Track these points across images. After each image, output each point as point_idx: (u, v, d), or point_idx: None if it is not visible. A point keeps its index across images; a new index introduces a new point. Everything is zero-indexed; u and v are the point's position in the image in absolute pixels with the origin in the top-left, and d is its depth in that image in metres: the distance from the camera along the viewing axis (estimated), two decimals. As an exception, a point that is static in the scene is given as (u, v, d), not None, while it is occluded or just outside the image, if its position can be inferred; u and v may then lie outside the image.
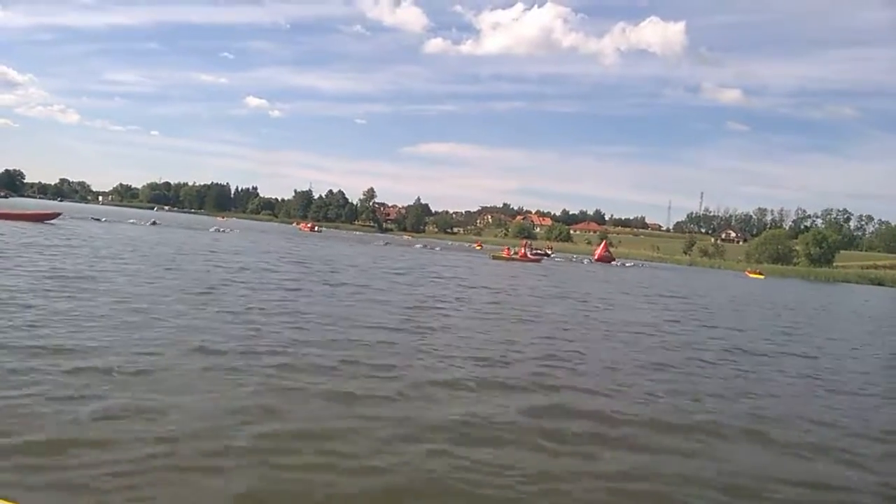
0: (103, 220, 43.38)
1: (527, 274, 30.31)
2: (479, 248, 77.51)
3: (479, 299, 16.34)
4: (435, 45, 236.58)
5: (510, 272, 30.57)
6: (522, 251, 47.03)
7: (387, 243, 58.01)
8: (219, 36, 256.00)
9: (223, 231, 47.54)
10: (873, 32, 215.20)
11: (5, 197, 70.14)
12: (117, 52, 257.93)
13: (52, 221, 33.46)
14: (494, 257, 44.89)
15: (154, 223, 46.24)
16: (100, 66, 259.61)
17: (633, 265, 61.00)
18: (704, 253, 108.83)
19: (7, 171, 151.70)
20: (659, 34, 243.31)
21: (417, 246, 59.73)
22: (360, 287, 16.34)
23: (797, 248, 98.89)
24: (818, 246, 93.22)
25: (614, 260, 61.57)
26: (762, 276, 67.75)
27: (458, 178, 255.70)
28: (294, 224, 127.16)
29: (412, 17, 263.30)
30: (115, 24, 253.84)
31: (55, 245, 19.69)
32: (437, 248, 58.88)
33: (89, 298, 10.04)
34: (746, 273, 72.56)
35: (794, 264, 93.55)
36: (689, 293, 28.20)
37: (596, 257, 60.59)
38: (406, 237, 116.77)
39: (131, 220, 46.84)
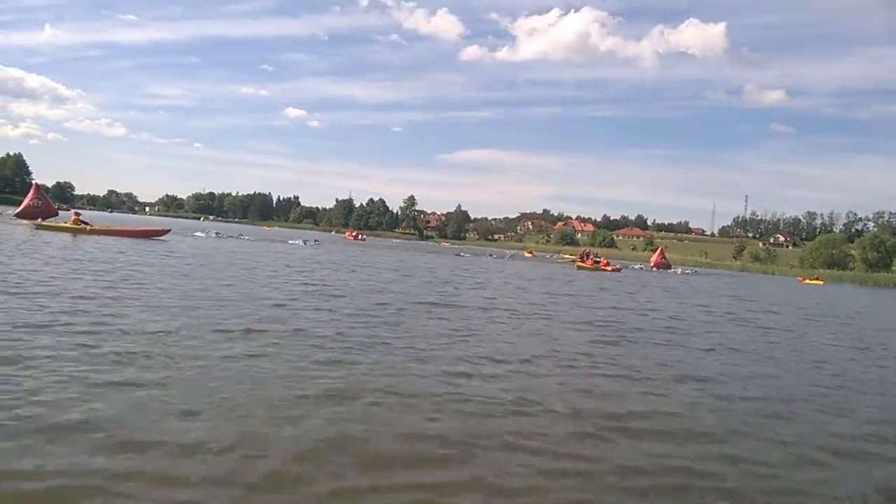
0: (199, 234, 44.62)
1: (642, 288, 29.33)
2: (529, 255, 76.95)
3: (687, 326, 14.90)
4: (471, 52, 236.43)
5: (625, 287, 28.96)
6: (604, 261, 47.65)
7: (459, 253, 58.28)
8: (258, 49, 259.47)
9: (311, 243, 47.26)
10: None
11: (67, 210, 71.11)
12: (160, 67, 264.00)
13: (162, 238, 33.18)
14: (579, 267, 44.81)
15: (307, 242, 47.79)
16: (143, 81, 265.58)
17: (693, 273, 59.84)
18: (756, 258, 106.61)
19: (58, 183, 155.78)
20: (699, 36, 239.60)
21: (491, 255, 60.12)
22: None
23: (853, 252, 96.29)
24: (875, 250, 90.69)
25: (671, 267, 60.52)
26: (821, 283, 65.97)
27: (495, 185, 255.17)
28: (334, 232, 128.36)
29: (448, 26, 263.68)
30: (158, 40, 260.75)
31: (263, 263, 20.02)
32: (507, 256, 59.63)
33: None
34: (800, 279, 70.76)
35: (850, 269, 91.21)
36: (823, 309, 26.57)
37: (653, 264, 59.59)
38: (444, 244, 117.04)
39: (216, 232, 47.51)
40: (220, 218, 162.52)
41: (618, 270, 44.47)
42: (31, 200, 43.18)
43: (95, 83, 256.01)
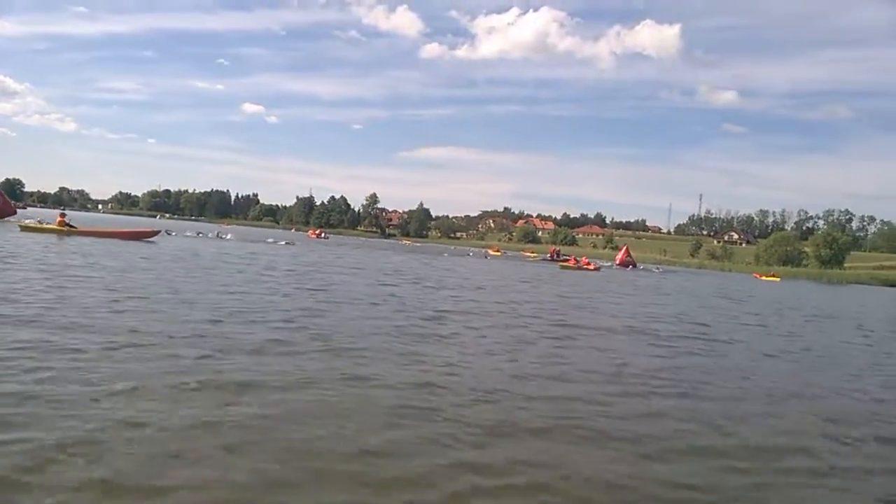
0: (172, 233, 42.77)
1: (635, 289, 29.41)
2: (497, 253, 77.17)
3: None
4: (430, 49, 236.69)
5: (618, 287, 28.96)
6: (586, 259, 48.11)
7: (443, 253, 58.27)
8: (214, 43, 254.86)
9: (283, 244, 46.16)
10: (867, 32, 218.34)
11: (24, 208, 68.86)
12: (113, 61, 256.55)
13: (151, 240, 31.76)
14: (563, 267, 45.15)
15: (222, 236, 46.22)
16: (96, 75, 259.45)
17: (661, 271, 60.97)
18: (712, 256, 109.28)
19: (7, 179, 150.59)
20: (654, 37, 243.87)
21: (469, 254, 59.47)
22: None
23: (807, 249, 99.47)
24: (829, 247, 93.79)
25: (636, 265, 61.56)
26: (778, 279, 67.96)
27: (455, 183, 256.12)
28: (293, 230, 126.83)
29: (407, 23, 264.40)
30: (110, 33, 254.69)
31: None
32: (487, 256, 59.53)
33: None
34: (756, 276, 72.69)
35: (804, 266, 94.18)
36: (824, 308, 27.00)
37: (618, 262, 60.51)
38: (406, 242, 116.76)
39: (188, 233, 45.54)
40: (175, 216, 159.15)
41: (598, 269, 45.09)
42: (-13, 199, 41.84)
43: (45, 77, 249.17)
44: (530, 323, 12.54)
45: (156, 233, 34.05)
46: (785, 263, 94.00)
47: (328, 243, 60.48)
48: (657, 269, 63.87)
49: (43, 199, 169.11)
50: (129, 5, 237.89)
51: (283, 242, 46.50)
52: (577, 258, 49.56)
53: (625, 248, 66.36)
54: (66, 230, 29.39)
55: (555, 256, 56.48)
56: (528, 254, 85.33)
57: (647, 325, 13.93)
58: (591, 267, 44.96)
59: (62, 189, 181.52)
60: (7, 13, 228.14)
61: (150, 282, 13.57)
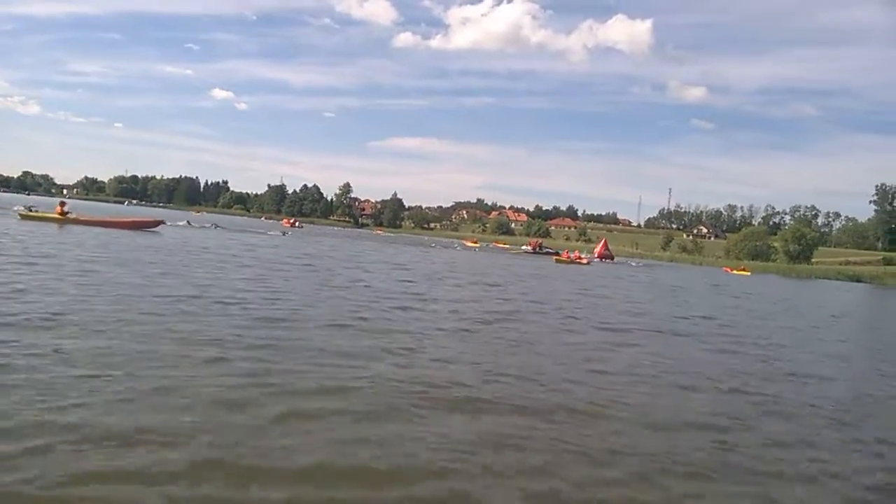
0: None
1: (633, 284, 29.85)
2: (475, 244, 77.20)
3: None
4: (404, 39, 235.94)
5: (618, 283, 29.48)
6: (577, 253, 48.78)
7: (432, 245, 58.59)
8: (183, 27, 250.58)
9: (281, 234, 46.42)
10: (836, 33, 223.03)
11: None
12: (79, 43, 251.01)
13: (154, 230, 31.33)
14: (557, 261, 45.45)
15: (216, 226, 46.16)
16: (61, 57, 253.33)
17: (641, 264, 61.66)
18: (683, 249, 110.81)
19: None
20: (626, 32, 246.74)
21: (456, 246, 59.04)
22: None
23: (776, 244, 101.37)
24: (797, 243, 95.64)
25: (614, 258, 62.27)
26: (748, 273, 69.36)
27: (427, 174, 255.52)
28: (263, 218, 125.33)
29: (381, 11, 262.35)
30: (77, 14, 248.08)
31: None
32: (456, 246, 59.97)
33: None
34: (726, 270, 74.01)
35: (773, 261, 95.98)
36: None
37: (597, 255, 61.13)
38: (378, 232, 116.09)
39: (180, 223, 44.76)
40: (143, 202, 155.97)
41: (589, 263, 45.63)
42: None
43: (8, 58, 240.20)
44: (609, 327, 12.62)
45: (159, 223, 33.57)
46: (754, 258, 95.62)
47: (312, 233, 60.10)
48: (634, 262, 64.62)
49: (6, 184, 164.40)
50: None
51: (281, 233, 46.47)
52: (570, 252, 49.91)
53: (603, 241, 67.07)
54: (67, 219, 28.97)
55: (537, 249, 56.87)
56: (500, 245, 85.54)
57: (697, 328, 14.12)
58: (584, 261, 45.49)
59: (26, 173, 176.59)
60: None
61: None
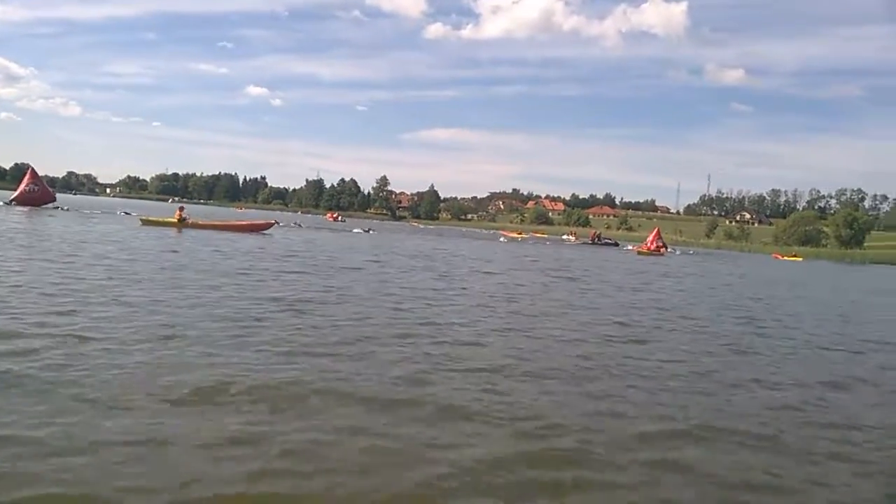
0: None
1: (727, 277, 28.80)
2: (520, 235, 76.61)
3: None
4: (435, 30, 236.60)
5: (731, 280, 27.56)
6: (654, 245, 48.94)
7: (500, 239, 58.20)
8: (217, 25, 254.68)
9: (369, 232, 47.03)
10: (877, 9, 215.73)
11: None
12: (116, 44, 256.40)
13: (267, 232, 32.07)
14: (640, 253, 45.12)
15: (369, 231, 47.62)
16: (100, 59, 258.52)
17: (695, 253, 60.56)
18: (729, 236, 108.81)
19: (17, 164, 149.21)
20: (661, 15, 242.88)
21: (502, 239, 59.04)
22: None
23: (826, 229, 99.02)
24: (849, 227, 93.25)
25: (667, 247, 61.19)
26: (800, 259, 67.87)
27: (461, 164, 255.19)
28: (300, 212, 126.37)
29: (410, 3, 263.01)
30: (113, 16, 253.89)
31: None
32: (502, 239, 59.14)
33: None
34: (776, 256, 72.43)
35: (823, 246, 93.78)
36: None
37: (650, 245, 60.06)
38: (415, 224, 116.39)
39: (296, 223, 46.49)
40: (185, 199, 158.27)
41: (663, 254, 45.50)
42: (26, 186, 41.22)
43: (49, 61, 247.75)
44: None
45: (271, 225, 34.23)
46: (804, 244, 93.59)
47: (381, 229, 60.46)
48: (691, 251, 63.40)
49: (51, 184, 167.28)
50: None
51: (367, 230, 47.74)
52: (649, 244, 49.75)
53: (656, 229, 65.63)
54: (185, 224, 29.76)
55: (595, 240, 56.25)
56: (542, 235, 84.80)
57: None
58: (663, 252, 45.21)
59: (70, 173, 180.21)
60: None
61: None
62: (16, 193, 41.00)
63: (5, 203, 39.13)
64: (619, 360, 7.71)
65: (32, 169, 42.59)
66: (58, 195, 47.69)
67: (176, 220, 29.82)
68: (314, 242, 28.88)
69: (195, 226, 29.92)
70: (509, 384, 6.19)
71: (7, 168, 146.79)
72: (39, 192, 41.41)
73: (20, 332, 6.54)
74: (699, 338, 10.11)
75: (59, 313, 7.66)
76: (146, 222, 30.47)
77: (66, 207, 42.65)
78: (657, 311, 13.09)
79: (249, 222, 34.42)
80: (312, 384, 5.57)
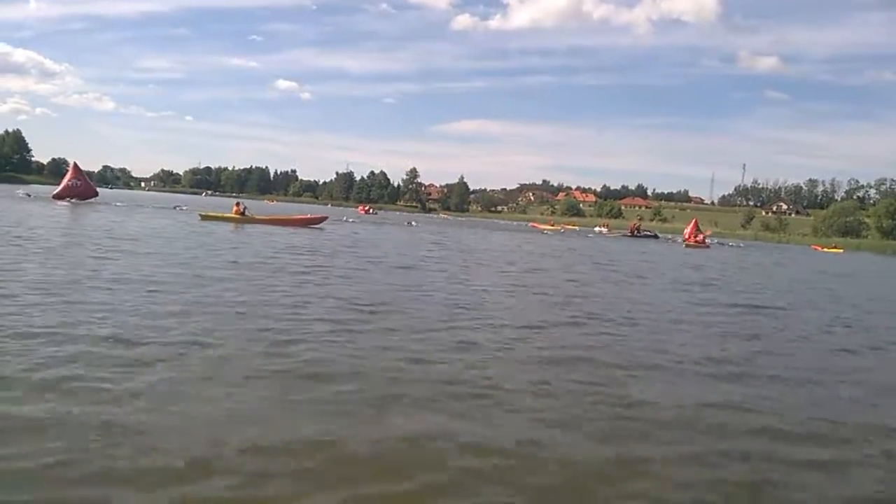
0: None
1: (780, 269, 28.33)
2: (553, 227, 75.99)
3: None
4: (462, 21, 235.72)
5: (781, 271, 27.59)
6: (701, 236, 48.41)
7: (543, 231, 58.37)
8: (246, 19, 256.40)
9: (412, 224, 49.13)
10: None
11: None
12: (148, 39, 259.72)
13: (319, 226, 32.35)
14: (687, 245, 45.08)
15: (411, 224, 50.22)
16: (132, 54, 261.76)
17: (739, 245, 59.51)
18: (767, 227, 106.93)
19: (53, 159, 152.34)
20: (692, 2, 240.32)
21: (547, 232, 58.61)
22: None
23: (867, 220, 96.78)
24: (891, 218, 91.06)
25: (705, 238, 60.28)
26: (841, 251, 66.35)
27: (489, 156, 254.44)
28: (330, 205, 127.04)
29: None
30: (145, 11, 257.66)
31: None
32: (546, 232, 58.65)
33: None
34: (815, 248, 71.02)
35: (864, 237, 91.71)
36: None
37: (688, 237, 59.27)
38: (444, 216, 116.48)
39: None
40: (217, 193, 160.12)
41: (708, 246, 45.52)
42: (69, 181, 41.93)
43: (83, 57, 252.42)
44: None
45: (324, 219, 34.47)
46: (844, 235, 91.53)
47: (429, 221, 60.56)
48: (731, 243, 62.26)
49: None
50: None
51: (414, 223, 49.41)
52: (695, 235, 49.22)
53: (694, 220, 64.60)
54: (244, 218, 30.24)
55: (635, 232, 55.62)
56: (573, 227, 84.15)
57: None
58: (707, 244, 45.03)
59: (105, 167, 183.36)
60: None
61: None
62: (59, 188, 41.73)
63: (52, 198, 40.14)
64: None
65: (75, 164, 43.39)
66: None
67: (235, 215, 30.21)
68: (380, 236, 29.34)
69: (253, 220, 30.16)
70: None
71: (45, 163, 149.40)
72: (82, 187, 42.07)
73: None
74: None
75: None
76: (205, 217, 30.91)
77: (119, 203, 43.81)
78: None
79: (303, 217, 34.52)
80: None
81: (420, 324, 8.43)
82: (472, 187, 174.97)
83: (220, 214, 31.50)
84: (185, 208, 41.75)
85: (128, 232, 20.37)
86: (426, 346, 7.12)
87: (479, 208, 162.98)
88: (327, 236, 26.64)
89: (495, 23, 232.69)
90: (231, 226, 27.62)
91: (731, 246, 56.49)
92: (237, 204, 31.74)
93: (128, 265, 11.85)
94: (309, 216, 34.94)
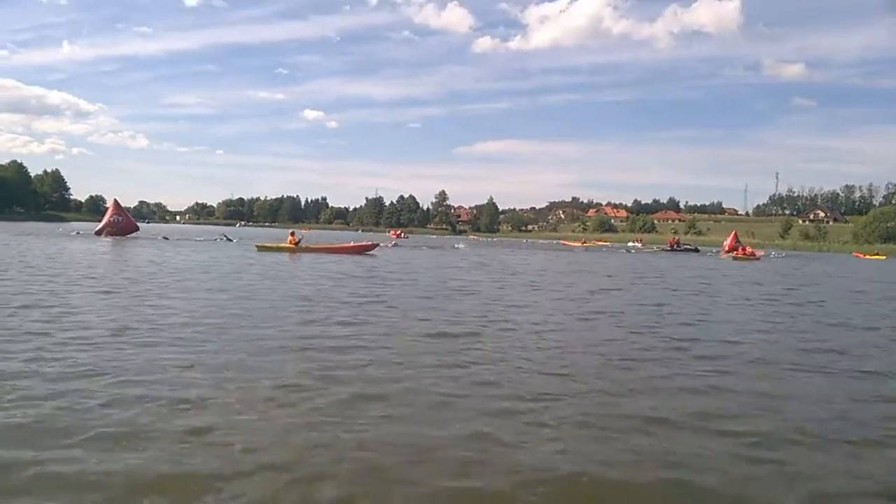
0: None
1: (829, 280, 27.38)
2: (582, 244, 75.09)
3: None
4: (483, 43, 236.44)
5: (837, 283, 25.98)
6: (749, 248, 48.34)
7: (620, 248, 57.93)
8: (271, 53, 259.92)
9: (459, 247, 50.27)
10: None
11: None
12: (177, 77, 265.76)
13: (372, 253, 32.74)
14: (735, 258, 44.97)
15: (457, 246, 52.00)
16: (162, 91, 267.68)
17: (775, 256, 58.43)
18: (805, 236, 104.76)
19: (91, 196, 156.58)
20: (713, 13, 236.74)
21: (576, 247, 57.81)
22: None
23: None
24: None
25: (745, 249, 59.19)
26: (883, 258, 64.78)
27: (516, 175, 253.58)
28: (359, 230, 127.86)
29: (458, 19, 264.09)
30: (173, 50, 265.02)
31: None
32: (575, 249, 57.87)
33: None
34: (857, 255, 69.47)
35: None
36: None
37: (727, 249, 58.27)
38: (473, 237, 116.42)
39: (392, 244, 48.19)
40: (251, 223, 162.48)
41: (757, 258, 45.26)
42: (111, 217, 42.82)
43: (116, 96, 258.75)
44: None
45: (375, 245, 35.07)
46: (886, 241, 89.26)
47: (486, 244, 60.34)
48: (773, 254, 61.17)
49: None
50: (188, 22, 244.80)
51: (455, 246, 50.72)
52: (743, 247, 49.15)
53: (733, 233, 63.52)
54: (299, 248, 30.70)
55: (675, 246, 54.93)
56: (605, 243, 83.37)
57: None
58: (757, 255, 44.36)
59: (141, 203, 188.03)
60: (76, 37, 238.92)
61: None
62: (101, 224, 42.59)
63: (95, 234, 41.15)
64: None
65: (116, 201, 44.35)
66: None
67: (290, 245, 30.52)
68: (438, 261, 29.20)
69: (307, 250, 30.51)
70: None
71: (83, 200, 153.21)
72: (124, 222, 42.94)
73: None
74: None
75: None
76: (261, 248, 31.42)
77: (165, 236, 44.91)
78: None
79: (357, 244, 34.82)
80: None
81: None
82: (501, 207, 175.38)
83: (275, 245, 31.87)
84: (234, 240, 42.23)
85: (201, 266, 20.53)
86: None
87: (510, 228, 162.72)
88: (385, 263, 26.46)
89: (516, 44, 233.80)
90: (287, 255, 27.88)
91: (774, 256, 55.35)
92: (291, 234, 32.00)
93: (237, 305, 11.69)
94: (362, 244, 35.40)
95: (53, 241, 33.84)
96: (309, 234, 74.37)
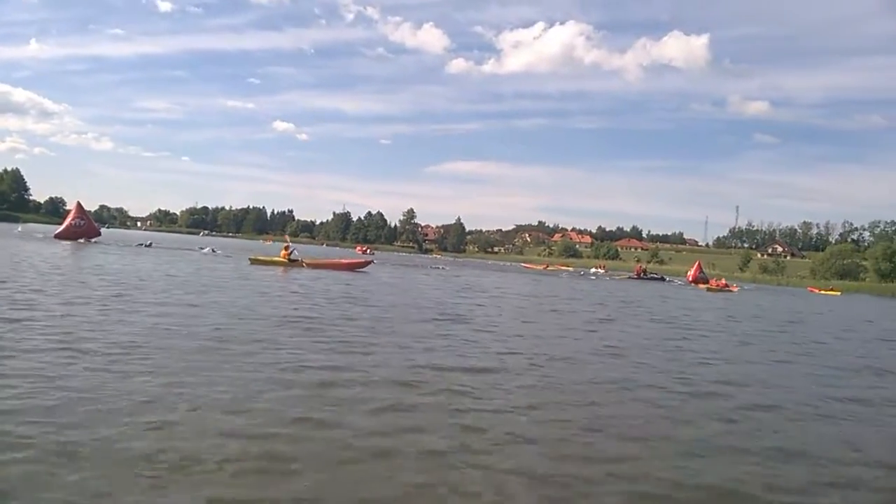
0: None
1: (810, 316, 27.58)
2: (542, 268, 75.36)
3: None
4: (457, 65, 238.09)
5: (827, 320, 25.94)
6: (724, 281, 48.81)
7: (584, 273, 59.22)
8: (244, 62, 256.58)
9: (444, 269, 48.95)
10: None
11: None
12: (147, 81, 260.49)
13: (364, 270, 32.32)
14: (708, 289, 45.06)
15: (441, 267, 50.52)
16: (130, 95, 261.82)
17: (747, 288, 59.13)
18: (764, 269, 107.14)
19: (51, 198, 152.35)
20: (682, 48, 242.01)
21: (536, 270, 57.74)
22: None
23: (865, 262, 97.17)
24: (889, 260, 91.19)
25: (707, 282, 60.25)
26: (839, 294, 66.45)
27: (485, 196, 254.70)
28: (325, 245, 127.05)
29: (433, 39, 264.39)
30: (144, 54, 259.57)
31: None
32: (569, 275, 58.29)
33: None
34: (812, 290, 71.15)
35: (862, 280, 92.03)
36: None
37: (690, 279, 59.36)
38: (437, 256, 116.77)
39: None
40: (214, 232, 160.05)
41: (732, 289, 45.53)
42: (73, 220, 41.69)
43: (82, 97, 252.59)
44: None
45: (369, 262, 34.81)
46: (842, 277, 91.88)
47: (457, 264, 59.92)
48: (745, 287, 61.91)
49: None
50: (162, 27, 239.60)
51: (443, 267, 50.44)
52: (716, 279, 50.27)
53: (697, 263, 64.72)
54: (292, 263, 30.19)
55: (641, 274, 55.67)
56: (567, 268, 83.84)
57: None
58: (734, 288, 45.15)
59: (102, 207, 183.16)
60: (45, 36, 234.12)
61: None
62: (62, 227, 41.50)
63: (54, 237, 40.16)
64: None
65: (79, 203, 43.16)
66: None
67: (283, 259, 30.11)
68: (428, 282, 28.82)
69: (301, 265, 30.02)
70: None
71: (42, 202, 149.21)
72: (85, 227, 41.89)
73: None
74: None
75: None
76: (255, 261, 30.96)
77: (148, 243, 44.57)
78: None
79: (351, 261, 34.65)
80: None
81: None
82: (468, 228, 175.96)
83: (269, 258, 31.57)
84: (218, 252, 41.62)
85: (212, 279, 19.97)
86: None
87: (476, 249, 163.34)
88: (380, 281, 26.24)
89: (489, 67, 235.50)
90: (280, 270, 27.58)
91: (746, 289, 56.32)
92: (285, 248, 31.28)
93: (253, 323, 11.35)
94: (357, 261, 35.29)
95: (13, 244, 32.79)
96: (271, 245, 73.88)
